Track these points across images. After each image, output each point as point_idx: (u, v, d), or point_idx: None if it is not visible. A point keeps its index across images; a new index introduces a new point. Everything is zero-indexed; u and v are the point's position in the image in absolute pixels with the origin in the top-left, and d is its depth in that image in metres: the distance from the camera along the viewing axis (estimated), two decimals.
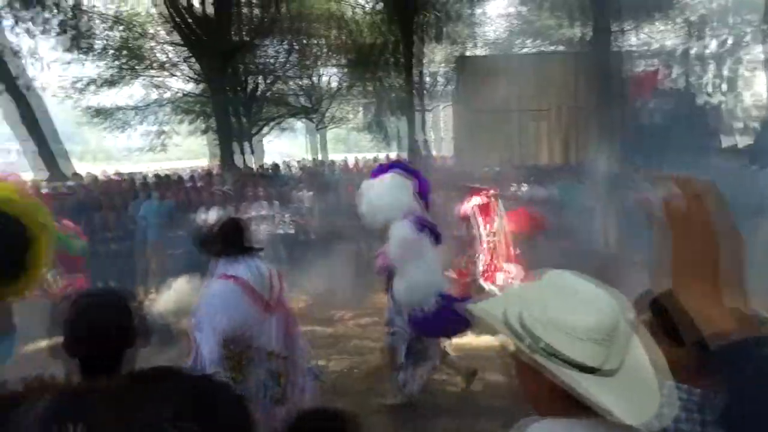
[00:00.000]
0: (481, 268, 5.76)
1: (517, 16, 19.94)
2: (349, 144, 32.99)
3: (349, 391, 4.25)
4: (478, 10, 17.29)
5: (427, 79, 18.51)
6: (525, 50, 18.94)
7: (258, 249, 2.90)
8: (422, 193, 3.69)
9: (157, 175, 13.58)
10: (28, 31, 12.17)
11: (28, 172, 13.17)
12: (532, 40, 19.39)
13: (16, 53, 11.90)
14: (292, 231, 7.40)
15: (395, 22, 13.49)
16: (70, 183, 9.54)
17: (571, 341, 0.86)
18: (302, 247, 7.41)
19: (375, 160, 17.58)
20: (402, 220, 3.35)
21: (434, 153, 16.91)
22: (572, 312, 0.89)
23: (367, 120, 19.76)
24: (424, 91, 17.19)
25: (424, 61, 16.45)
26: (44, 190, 9.17)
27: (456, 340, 4.94)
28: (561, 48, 17.48)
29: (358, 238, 6.85)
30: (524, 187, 7.22)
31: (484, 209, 5.76)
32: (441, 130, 24.57)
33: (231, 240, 2.76)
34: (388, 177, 3.61)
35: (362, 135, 22.16)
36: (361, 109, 21.27)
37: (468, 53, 15.74)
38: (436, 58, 19.74)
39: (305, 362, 3.01)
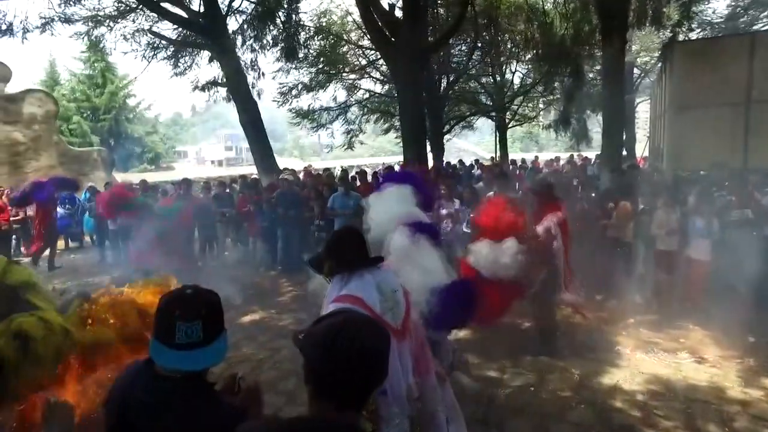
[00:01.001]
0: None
1: None
2: (538, 142, 31.59)
3: (527, 410, 3.95)
4: None
5: None
6: (758, 27, 15.86)
7: (378, 260, 2.32)
8: (425, 195, 3.77)
9: (343, 170, 14.81)
10: (253, 47, 14.32)
11: (252, 166, 15.51)
12: None
13: (247, 67, 14.09)
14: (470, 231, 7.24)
15: (590, 11, 12.37)
16: (284, 176, 10.86)
17: None
18: None
19: (556, 159, 16.62)
20: (397, 230, 3.21)
21: (624, 153, 15.21)
22: None
23: (554, 118, 18.65)
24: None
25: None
26: (264, 183, 10.68)
27: (660, 382, 4.33)
28: None
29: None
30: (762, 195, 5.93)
31: (564, 227, 4.65)
32: (634, 128, 21.99)
33: (343, 252, 2.22)
34: (388, 192, 3.67)
35: (549, 133, 21.04)
36: (543, 106, 20.24)
37: (680, 38, 13.63)
38: (632, 48, 17.73)
39: (437, 410, 2.31)
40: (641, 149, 18.23)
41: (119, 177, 17.70)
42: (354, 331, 1.14)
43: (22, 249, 10.95)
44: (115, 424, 1.46)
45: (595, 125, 17.53)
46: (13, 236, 10.47)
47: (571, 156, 17.95)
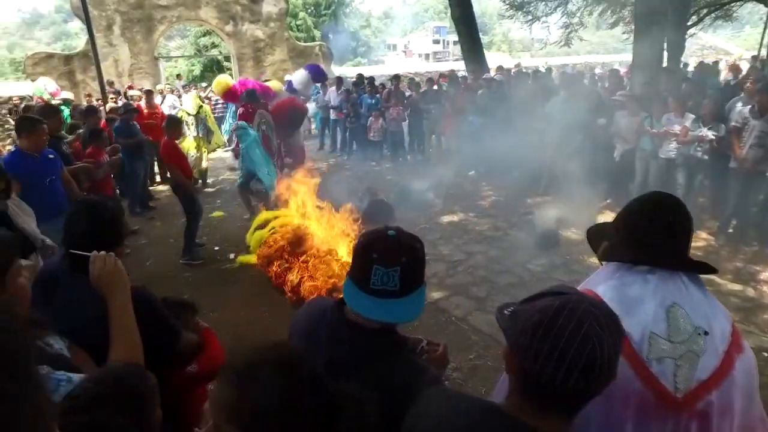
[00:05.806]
0: None
1: None
2: None
3: None
4: None
5: None
6: None
7: (697, 267, 1.31)
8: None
9: (556, 70, 13.41)
10: None
11: (457, 61, 15.16)
12: None
13: None
14: (704, 156, 5.95)
15: None
16: (488, 76, 10.43)
17: None
18: (720, 180, 5.99)
19: None
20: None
21: None
22: None
23: None
24: None
25: None
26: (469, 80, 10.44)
27: None
28: None
29: None
30: None
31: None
32: None
33: (634, 230, 1.33)
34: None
35: None
36: None
37: None
38: None
39: None
40: None
41: (336, 70, 19.03)
42: (576, 319, 0.88)
43: None
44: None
45: None
46: None
47: None
